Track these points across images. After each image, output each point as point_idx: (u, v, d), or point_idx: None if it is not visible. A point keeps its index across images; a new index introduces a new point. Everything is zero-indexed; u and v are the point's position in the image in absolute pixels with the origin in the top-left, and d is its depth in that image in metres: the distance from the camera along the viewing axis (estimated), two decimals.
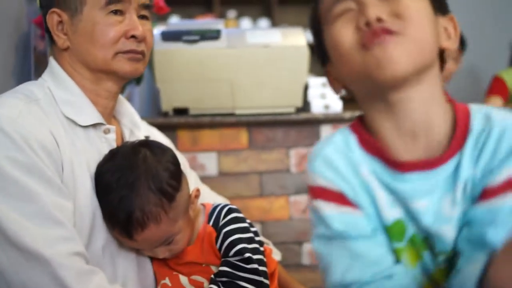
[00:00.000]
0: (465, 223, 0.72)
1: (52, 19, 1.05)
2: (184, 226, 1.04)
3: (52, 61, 1.09)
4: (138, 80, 1.65)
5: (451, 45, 0.77)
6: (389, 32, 0.69)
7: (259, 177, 1.80)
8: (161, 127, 1.41)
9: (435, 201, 0.73)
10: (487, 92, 2.66)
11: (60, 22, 1.05)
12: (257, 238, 1.08)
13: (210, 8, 3.96)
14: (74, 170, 0.98)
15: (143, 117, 1.33)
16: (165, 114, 1.73)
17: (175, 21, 3.63)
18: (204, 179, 1.73)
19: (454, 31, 0.77)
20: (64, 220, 0.92)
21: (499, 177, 0.71)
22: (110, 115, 1.13)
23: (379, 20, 0.70)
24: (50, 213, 0.90)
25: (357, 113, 1.59)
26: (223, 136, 1.76)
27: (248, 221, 1.10)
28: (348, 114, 1.78)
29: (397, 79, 0.70)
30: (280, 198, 1.82)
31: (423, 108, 0.73)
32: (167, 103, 1.68)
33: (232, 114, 1.72)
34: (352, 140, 0.78)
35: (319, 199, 0.76)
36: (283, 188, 1.81)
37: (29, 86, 1.05)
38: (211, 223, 1.07)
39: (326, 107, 1.80)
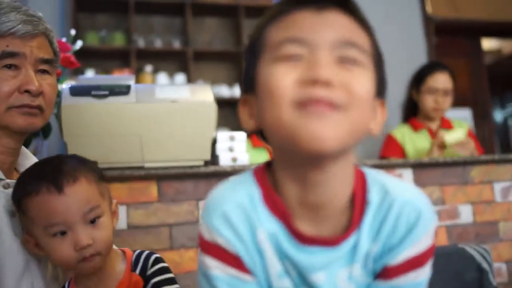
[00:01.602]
0: None
1: None
2: (107, 216, 1.03)
3: None
4: (45, 134, 1.65)
5: (375, 129, 0.72)
6: (333, 106, 0.64)
7: (169, 230, 1.82)
8: None
9: (332, 275, 0.72)
10: (382, 152, 2.73)
11: None
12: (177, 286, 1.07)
13: (127, 62, 4.00)
14: None
15: None
16: None
17: (90, 75, 3.63)
18: (114, 232, 1.73)
19: (382, 116, 0.73)
20: None
21: (399, 257, 0.71)
22: (11, 169, 1.11)
23: (327, 83, 0.64)
24: None
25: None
26: (133, 190, 1.77)
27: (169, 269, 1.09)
28: (254, 167, 1.86)
29: (322, 155, 0.65)
30: (191, 250, 1.84)
31: (333, 183, 0.70)
32: None
33: (141, 168, 1.75)
34: (256, 195, 0.73)
35: (209, 255, 0.71)
36: (193, 240, 1.84)
37: None
38: (137, 271, 1.04)
39: (234, 159, 1.87)
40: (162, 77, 4.06)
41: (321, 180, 0.70)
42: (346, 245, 0.71)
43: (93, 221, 1.00)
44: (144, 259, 1.06)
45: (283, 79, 0.65)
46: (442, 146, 2.47)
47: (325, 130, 0.63)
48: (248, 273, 0.70)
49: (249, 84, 0.72)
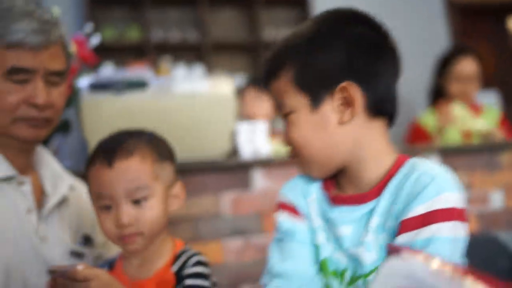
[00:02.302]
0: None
1: None
2: (158, 198, 0.99)
3: None
4: (65, 131, 1.65)
5: (348, 118, 0.86)
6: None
7: (191, 223, 1.82)
8: None
9: (356, 229, 0.85)
10: (408, 140, 2.69)
11: None
12: None
13: (144, 55, 4.00)
14: None
15: (72, 169, 1.33)
16: None
17: (107, 70, 3.64)
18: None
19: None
20: None
21: (412, 212, 0.79)
22: (27, 168, 1.10)
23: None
24: None
25: (284, 155, 1.61)
26: None
27: (210, 275, 1.02)
28: (276, 156, 1.84)
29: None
30: (213, 242, 1.83)
31: (363, 172, 0.86)
32: None
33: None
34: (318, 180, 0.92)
35: (278, 210, 0.93)
36: (215, 233, 1.83)
37: None
38: (175, 268, 0.99)
39: (255, 151, 1.86)
40: (180, 68, 4.05)
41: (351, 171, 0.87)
42: (368, 205, 0.84)
43: (138, 201, 0.97)
44: (187, 257, 1.00)
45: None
46: (469, 134, 2.42)
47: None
48: (303, 218, 0.91)
49: None
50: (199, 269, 0.98)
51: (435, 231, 0.77)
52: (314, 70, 0.83)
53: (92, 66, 1.98)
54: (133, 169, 0.96)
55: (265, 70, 0.89)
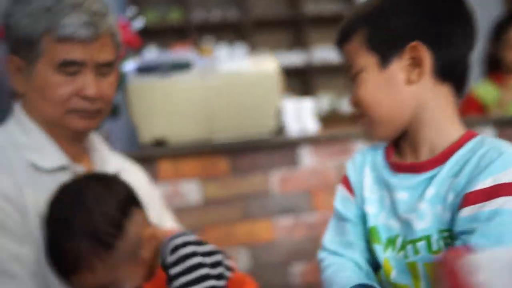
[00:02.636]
0: (448, 228, 0.81)
1: (12, 63, 1.03)
2: (133, 269, 0.96)
3: (16, 107, 1.08)
4: (114, 114, 1.67)
5: (416, 78, 0.84)
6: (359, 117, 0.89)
7: (242, 201, 1.83)
8: (141, 159, 1.43)
9: (412, 195, 0.86)
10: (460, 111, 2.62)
11: (18, 69, 1.03)
12: (215, 272, 0.97)
13: (186, 36, 4.01)
14: (37, 214, 0.97)
15: (122, 150, 1.35)
16: (144, 147, 1.76)
17: (151, 51, 3.68)
18: (188, 207, 1.75)
19: (416, 61, 0.84)
20: (19, 273, 0.91)
21: (476, 187, 0.78)
22: (80, 155, 1.11)
23: None
24: (5, 267, 0.90)
25: (331, 132, 1.60)
26: (204, 164, 1.78)
27: (204, 249, 0.98)
28: (324, 134, 1.82)
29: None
30: (263, 221, 1.84)
31: (426, 134, 0.87)
32: (146, 136, 1.71)
33: (209, 142, 1.75)
34: (381, 148, 0.95)
35: (340, 187, 0.97)
36: (265, 211, 1.83)
37: None
38: (161, 261, 0.97)
39: (302, 128, 1.84)
40: (222, 48, 4.05)
41: (413, 136, 0.89)
42: (427, 175, 0.85)
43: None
44: (165, 249, 0.97)
45: None
46: None
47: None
48: (352, 194, 0.94)
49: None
50: (177, 253, 0.94)
51: (502, 204, 0.76)
52: (385, 31, 0.85)
53: (136, 49, 2.00)
54: (90, 280, 0.92)
55: (338, 34, 0.91)
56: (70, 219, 0.92)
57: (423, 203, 0.84)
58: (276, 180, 1.83)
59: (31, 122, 1.05)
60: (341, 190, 0.97)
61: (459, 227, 0.78)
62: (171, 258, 0.95)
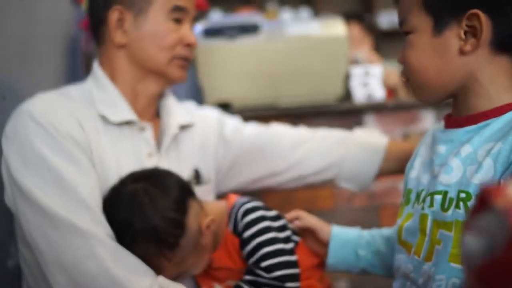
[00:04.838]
0: (467, 190, 0.80)
1: (114, 15, 1.10)
2: (198, 256, 1.00)
3: (95, 65, 1.15)
4: None
5: (470, 49, 0.79)
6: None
7: None
8: None
9: (447, 149, 0.85)
10: None
11: (120, 19, 1.10)
12: (282, 235, 1.01)
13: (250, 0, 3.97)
14: (102, 162, 1.03)
15: None
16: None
17: (216, 15, 3.68)
18: None
19: (474, 30, 0.78)
20: (93, 204, 0.95)
21: None
22: (149, 114, 1.16)
23: None
24: (82, 198, 0.94)
25: (398, 101, 1.58)
26: None
27: (271, 214, 1.02)
28: (390, 102, 1.77)
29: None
30: (325, 188, 1.83)
31: (477, 102, 0.83)
32: (211, 98, 1.72)
33: (274, 106, 1.74)
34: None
35: None
36: None
37: (68, 88, 1.13)
38: (230, 227, 1.01)
39: (369, 96, 1.79)
40: (287, 12, 3.98)
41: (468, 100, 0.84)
42: (467, 130, 0.82)
43: None
44: (235, 214, 1.01)
45: None
46: None
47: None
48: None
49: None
50: (249, 217, 0.98)
51: None
52: None
53: (203, 12, 2.00)
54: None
55: None
56: (130, 225, 0.94)
57: (456, 159, 0.82)
58: None
59: (108, 81, 1.12)
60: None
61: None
62: (243, 222, 0.98)
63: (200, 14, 3.03)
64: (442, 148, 0.86)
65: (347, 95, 1.81)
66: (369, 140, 1.24)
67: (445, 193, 0.81)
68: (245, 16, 2.05)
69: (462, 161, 0.81)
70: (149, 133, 1.12)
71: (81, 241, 0.90)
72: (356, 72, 1.78)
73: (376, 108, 1.77)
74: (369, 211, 1.85)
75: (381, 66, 1.91)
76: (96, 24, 1.14)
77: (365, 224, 1.96)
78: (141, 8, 1.09)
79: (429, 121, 1.74)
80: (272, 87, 1.69)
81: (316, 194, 1.82)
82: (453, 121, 0.87)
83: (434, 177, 0.85)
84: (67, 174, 0.95)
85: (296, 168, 1.25)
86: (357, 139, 1.24)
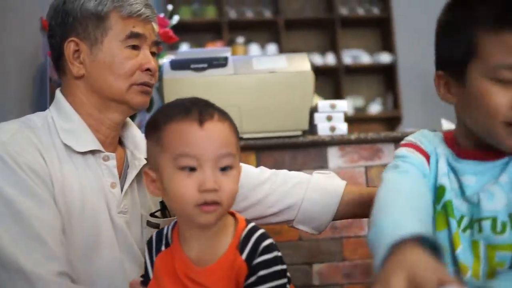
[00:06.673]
0: None
1: (69, 48, 1.10)
2: (237, 171, 0.94)
3: (57, 93, 1.15)
4: (148, 107, 1.70)
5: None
6: None
7: None
8: None
9: (480, 180, 0.94)
10: None
11: (77, 51, 1.11)
12: (286, 280, 0.94)
13: (219, 34, 4.04)
14: (65, 191, 1.03)
15: None
16: None
17: (184, 49, 3.72)
18: None
19: None
20: (49, 239, 0.95)
21: None
22: (113, 143, 1.17)
23: None
24: (37, 233, 0.94)
25: (361, 135, 1.62)
26: None
27: (280, 254, 0.94)
28: (353, 136, 1.81)
29: None
30: None
31: None
32: None
33: (240, 138, 1.76)
34: (440, 137, 1.04)
35: (404, 147, 1.03)
36: None
37: (31, 116, 1.13)
38: (244, 255, 0.91)
39: (332, 129, 1.84)
40: (254, 48, 4.07)
41: None
42: (497, 162, 0.93)
43: (224, 169, 0.90)
44: (254, 242, 0.91)
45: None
46: None
47: None
48: (427, 156, 1.00)
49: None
50: (271, 255, 0.91)
51: None
52: None
53: (172, 43, 2.03)
54: (225, 133, 0.92)
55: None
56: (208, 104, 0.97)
57: (496, 186, 0.91)
58: None
59: (71, 109, 1.12)
60: (404, 148, 1.02)
61: None
62: (260, 259, 0.90)
63: (169, 47, 3.07)
64: (471, 180, 0.95)
65: (312, 128, 1.86)
66: (327, 185, 1.24)
67: (494, 219, 0.90)
68: (213, 50, 2.09)
69: (503, 188, 0.91)
70: (112, 163, 1.12)
71: (26, 285, 0.91)
72: (321, 105, 1.83)
73: (339, 142, 1.82)
74: (333, 242, 1.87)
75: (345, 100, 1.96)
76: (56, 56, 1.15)
77: (329, 254, 1.98)
78: (96, 38, 1.10)
79: (391, 154, 1.79)
80: (239, 120, 1.72)
81: (281, 226, 1.84)
82: (474, 154, 0.95)
83: (475, 204, 0.93)
84: (23, 207, 0.95)
85: (256, 208, 1.24)
86: (316, 183, 1.25)
